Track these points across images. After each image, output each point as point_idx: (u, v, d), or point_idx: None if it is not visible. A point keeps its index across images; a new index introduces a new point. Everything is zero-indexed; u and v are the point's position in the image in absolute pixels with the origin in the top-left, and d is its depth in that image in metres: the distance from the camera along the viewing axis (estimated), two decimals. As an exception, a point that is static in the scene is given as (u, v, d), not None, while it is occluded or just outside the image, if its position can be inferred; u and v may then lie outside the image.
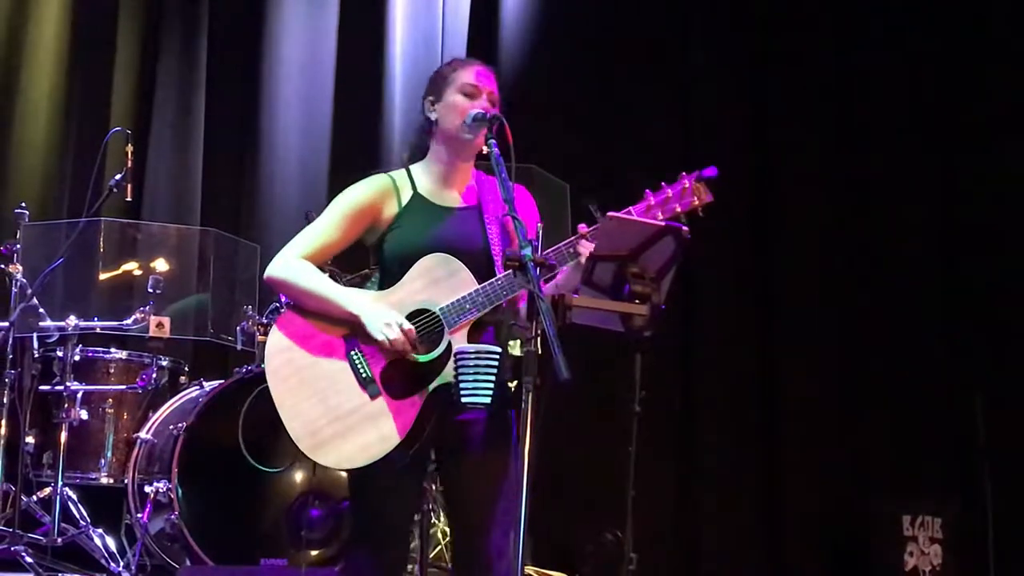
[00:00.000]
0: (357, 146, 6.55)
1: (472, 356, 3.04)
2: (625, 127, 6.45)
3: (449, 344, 3.20)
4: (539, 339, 2.87)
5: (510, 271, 3.16)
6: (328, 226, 3.37)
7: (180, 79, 6.55)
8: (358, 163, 6.21)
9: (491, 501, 3.27)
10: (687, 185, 3.22)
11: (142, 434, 5.05)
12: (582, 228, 3.21)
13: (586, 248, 3.16)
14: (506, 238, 3.36)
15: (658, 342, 3.03)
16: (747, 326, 6.34)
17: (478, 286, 3.21)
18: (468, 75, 3.41)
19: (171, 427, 4.87)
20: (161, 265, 5.31)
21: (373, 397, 3.19)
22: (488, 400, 3.03)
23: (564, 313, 2.86)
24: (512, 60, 6.53)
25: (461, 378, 3.04)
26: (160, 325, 5.05)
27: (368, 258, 3.54)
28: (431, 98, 3.43)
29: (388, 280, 3.31)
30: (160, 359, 5.22)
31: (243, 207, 6.57)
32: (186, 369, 5.45)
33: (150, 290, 5.11)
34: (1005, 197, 6.09)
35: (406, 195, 3.38)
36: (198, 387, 5.13)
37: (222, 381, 4.97)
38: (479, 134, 3.32)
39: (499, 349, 3.08)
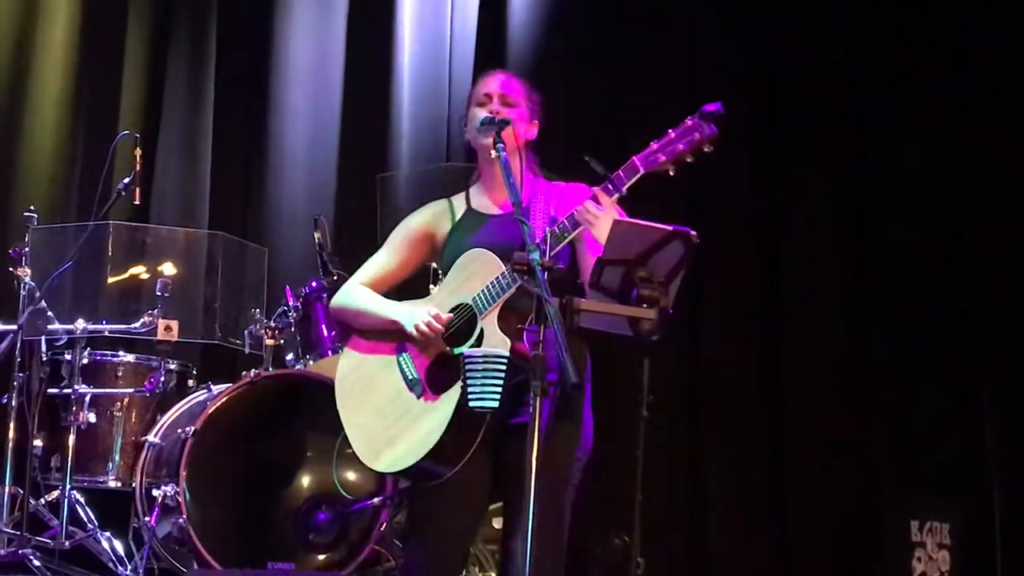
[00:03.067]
0: (365, 150, 6.55)
1: (480, 360, 3.05)
2: (634, 133, 6.42)
3: (482, 331, 3.26)
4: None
5: (549, 228, 3.24)
6: (386, 253, 3.53)
7: (188, 82, 6.56)
8: (366, 168, 6.22)
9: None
10: (689, 123, 3.24)
11: (150, 437, 5.05)
12: (594, 189, 3.27)
13: (583, 215, 3.20)
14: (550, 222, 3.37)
15: (666, 346, 3.03)
16: (754, 330, 6.33)
17: (503, 268, 3.25)
18: (481, 86, 3.53)
19: (179, 430, 4.87)
20: (169, 269, 5.31)
21: (419, 396, 3.29)
22: (495, 404, 3.04)
23: (572, 317, 2.86)
24: (520, 66, 6.52)
25: (469, 382, 3.05)
26: (168, 328, 5.05)
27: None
28: (464, 117, 3.55)
29: None
30: (168, 362, 5.22)
31: (251, 211, 6.57)
32: (194, 372, 5.45)
33: (158, 293, 5.11)
34: (1016, 194, 6.07)
35: (460, 212, 3.51)
36: (206, 390, 5.13)
37: (230, 385, 4.97)
38: (490, 137, 3.35)
39: (506, 352, 3.09)
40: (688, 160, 3.22)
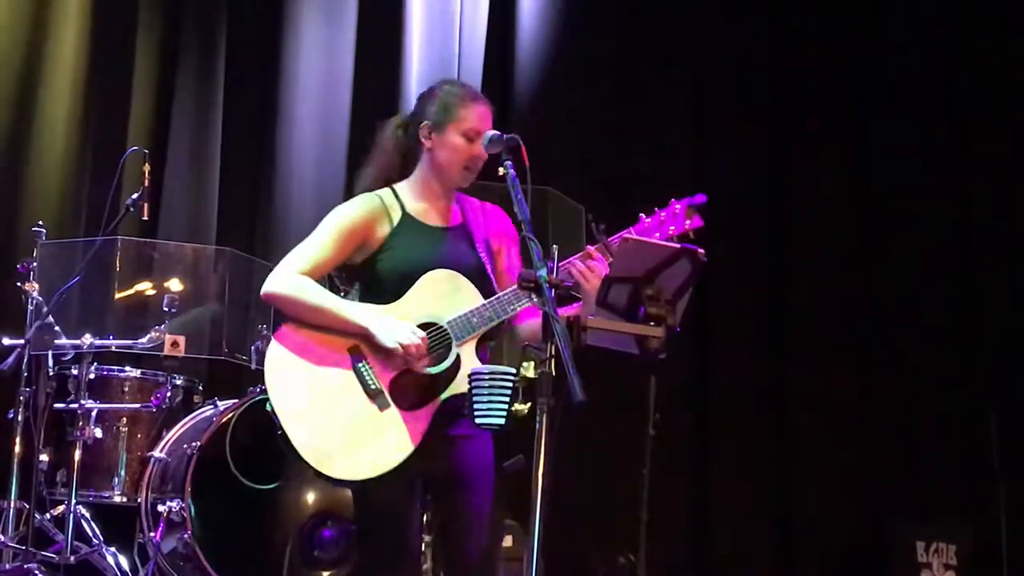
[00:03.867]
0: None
1: (487, 376, 3.04)
2: (642, 149, 6.45)
3: (458, 356, 3.26)
4: (553, 361, 2.87)
5: (514, 287, 3.23)
6: (323, 244, 3.41)
7: (197, 98, 6.57)
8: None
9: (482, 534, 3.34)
10: (677, 209, 3.32)
11: (156, 453, 5.06)
12: (590, 248, 3.27)
13: (579, 272, 3.23)
14: (491, 258, 3.44)
15: (673, 365, 3.03)
16: (761, 348, 6.33)
17: (484, 301, 3.28)
18: (473, 118, 3.44)
19: (185, 446, 4.87)
20: (176, 284, 5.31)
21: (383, 408, 3.23)
22: (502, 421, 3.04)
23: (579, 335, 2.86)
24: (528, 81, 6.55)
25: (475, 398, 3.05)
26: (175, 344, 5.06)
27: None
28: (428, 124, 3.45)
29: (380, 298, 3.35)
30: (175, 378, 5.23)
31: (258, 227, 6.58)
32: (200, 388, 5.46)
33: (165, 309, 5.11)
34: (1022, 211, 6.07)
35: (396, 215, 3.43)
36: (212, 406, 5.14)
37: (236, 400, 4.97)
38: (470, 178, 3.40)
39: (514, 370, 3.09)
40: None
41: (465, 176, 3.44)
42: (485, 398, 3.04)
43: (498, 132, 3.39)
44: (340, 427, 3.21)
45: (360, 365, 3.26)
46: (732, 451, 6.22)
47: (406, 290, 3.32)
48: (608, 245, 3.28)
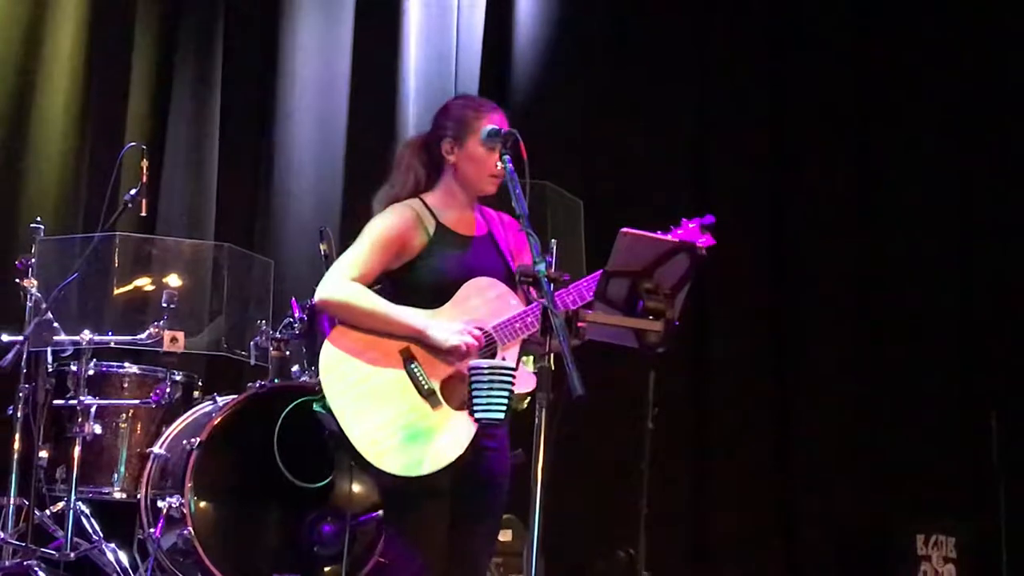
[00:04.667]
0: (371, 162, 6.54)
1: (486, 371, 3.05)
2: (641, 145, 6.44)
3: (504, 360, 3.34)
4: (553, 355, 2.88)
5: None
6: (369, 252, 3.51)
7: (195, 94, 6.57)
8: (372, 178, 6.20)
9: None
10: (691, 227, 3.42)
11: (155, 449, 5.05)
12: None
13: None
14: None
15: (672, 358, 3.03)
16: (761, 343, 6.34)
17: (525, 307, 3.41)
18: (489, 119, 3.55)
19: (184, 442, 4.87)
20: (175, 280, 5.31)
21: (435, 407, 3.36)
22: (502, 416, 3.05)
23: (578, 329, 2.87)
24: (526, 78, 6.55)
25: (475, 394, 3.06)
26: (174, 340, 5.05)
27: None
28: (451, 141, 3.56)
29: (415, 305, 3.46)
30: (174, 374, 5.22)
31: (257, 222, 6.58)
32: (199, 384, 5.45)
33: (164, 305, 5.11)
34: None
35: (431, 226, 3.54)
36: (211, 402, 5.13)
37: (235, 396, 4.97)
38: (496, 184, 3.52)
39: (513, 364, 3.10)
40: None
41: (491, 182, 3.55)
42: (485, 392, 3.05)
43: (496, 127, 3.44)
44: (395, 425, 3.32)
45: (413, 366, 3.39)
46: (732, 444, 6.22)
47: (443, 297, 3.46)
48: None
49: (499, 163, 3.37)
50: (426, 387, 3.37)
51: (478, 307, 3.45)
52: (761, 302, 6.38)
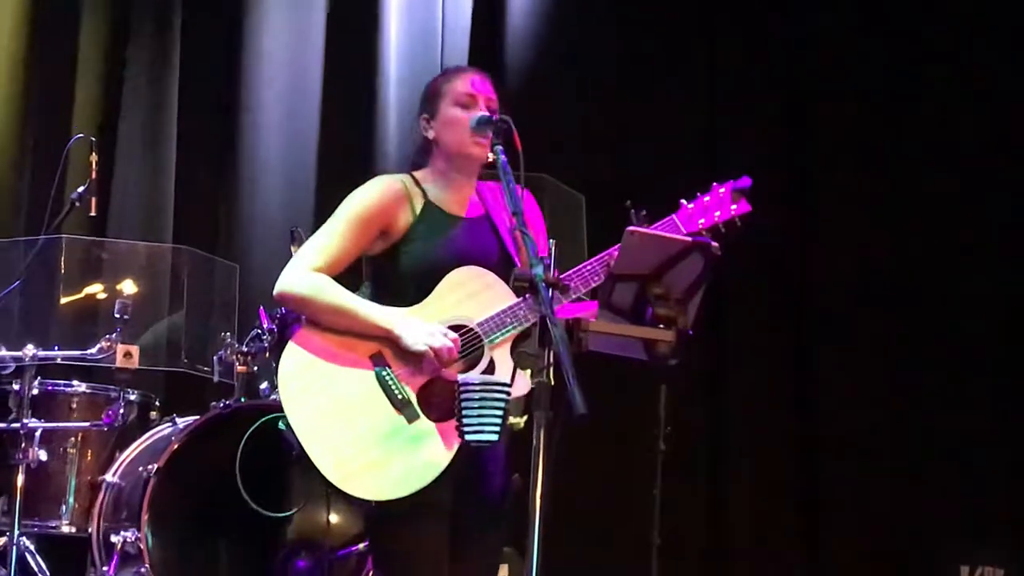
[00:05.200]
0: (347, 155, 6.55)
1: (477, 388, 3.04)
2: (646, 131, 6.44)
3: (492, 361, 3.30)
4: (552, 369, 2.87)
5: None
6: (340, 234, 3.44)
7: (150, 79, 6.57)
8: (348, 174, 6.21)
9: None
10: (722, 193, 3.41)
11: (108, 477, 5.05)
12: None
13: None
14: (519, 249, 3.45)
15: (685, 371, 3.03)
16: (785, 352, 6.32)
17: (517, 299, 3.32)
18: (463, 84, 3.54)
19: (140, 469, 4.86)
20: (129, 287, 5.30)
21: (411, 420, 3.26)
22: (495, 437, 3.04)
23: (580, 340, 2.85)
24: (521, 58, 6.54)
25: (465, 412, 3.05)
26: (128, 355, 5.04)
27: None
28: (426, 115, 3.56)
29: (401, 299, 3.38)
30: (128, 392, 5.21)
31: (221, 222, 6.58)
32: (157, 404, 5.45)
33: (117, 315, 5.10)
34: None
35: (419, 203, 3.49)
36: (171, 424, 5.13)
37: (197, 417, 4.96)
38: (485, 144, 3.40)
39: (508, 380, 3.09)
40: (722, 231, 3.40)
41: (475, 144, 3.46)
42: (476, 412, 3.04)
43: (487, 114, 3.44)
44: (364, 442, 3.23)
45: (384, 372, 3.30)
46: (753, 467, 6.21)
47: (430, 289, 3.37)
48: None
49: (491, 154, 3.33)
50: (399, 396, 3.27)
51: (462, 300, 3.36)
52: (783, 305, 6.37)
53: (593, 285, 3.33)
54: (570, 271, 3.35)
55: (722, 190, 3.40)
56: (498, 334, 3.33)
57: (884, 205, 6.32)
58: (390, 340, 3.30)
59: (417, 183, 3.52)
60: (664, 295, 2.97)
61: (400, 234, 3.45)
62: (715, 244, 3.01)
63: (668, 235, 3.10)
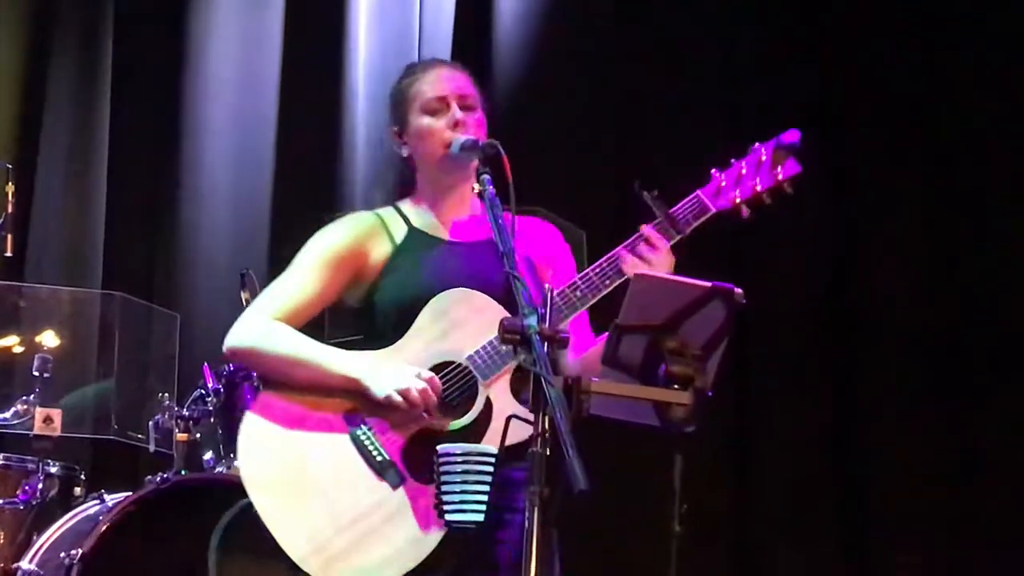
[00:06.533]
0: (307, 185, 6.56)
1: (459, 459, 3.03)
2: (654, 143, 6.45)
3: (488, 401, 3.24)
4: (548, 435, 2.86)
5: (565, 288, 3.26)
6: (301, 280, 3.42)
7: (77, 96, 6.59)
8: (308, 207, 6.22)
9: None
10: (763, 157, 3.38)
11: (24, 564, 5.02)
12: (645, 229, 3.30)
13: (632, 266, 3.23)
14: (533, 274, 3.43)
15: (704, 439, 3.02)
16: (821, 417, 6.32)
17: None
18: (429, 86, 3.52)
19: (62, 555, 4.84)
20: (50, 340, 5.31)
21: (395, 487, 3.23)
22: (480, 517, 3.03)
23: (580, 403, 2.84)
24: (508, 66, 6.56)
25: (445, 488, 3.04)
26: (48, 419, 5.04)
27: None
28: (395, 128, 3.55)
29: (380, 339, 3.35)
30: (48, 464, 5.20)
31: (158, 264, 6.58)
32: (82, 478, 5.42)
33: (36, 373, 5.10)
34: None
35: (399, 232, 3.47)
36: (98, 501, 5.10)
37: (129, 493, 4.94)
38: (468, 173, 3.42)
39: (494, 450, 3.07)
40: (766, 202, 3.36)
41: (459, 169, 3.46)
42: (458, 487, 3.03)
43: (471, 137, 3.43)
44: (343, 521, 3.20)
45: (359, 432, 3.25)
46: (783, 549, 6.20)
47: (410, 323, 3.31)
48: (672, 218, 3.31)
49: (476, 184, 3.32)
50: (379, 459, 3.23)
51: (447, 331, 3.31)
52: (818, 362, 6.37)
53: (604, 291, 3.30)
54: (575, 277, 3.33)
55: (764, 152, 3.37)
56: (493, 367, 3.27)
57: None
58: (360, 392, 3.26)
59: (400, 213, 3.53)
60: (679, 350, 2.96)
61: (376, 272, 3.44)
62: (739, 291, 3.01)
63: (683, 280, 3.09)
